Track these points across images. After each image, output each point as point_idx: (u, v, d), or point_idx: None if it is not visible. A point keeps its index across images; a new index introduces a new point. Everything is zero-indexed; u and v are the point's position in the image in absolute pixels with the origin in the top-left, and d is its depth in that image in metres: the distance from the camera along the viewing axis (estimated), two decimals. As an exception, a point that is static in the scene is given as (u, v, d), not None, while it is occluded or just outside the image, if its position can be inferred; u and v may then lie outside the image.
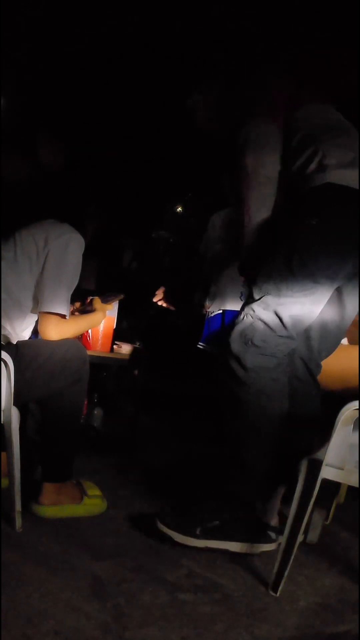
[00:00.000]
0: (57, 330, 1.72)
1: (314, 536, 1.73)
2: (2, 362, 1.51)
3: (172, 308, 2.58)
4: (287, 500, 1.63)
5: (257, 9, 2.89)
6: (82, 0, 3.38)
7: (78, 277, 1.81)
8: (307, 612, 1.34)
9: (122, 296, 2.11)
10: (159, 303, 2.62)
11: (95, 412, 2.83)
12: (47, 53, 3.87)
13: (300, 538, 1.59)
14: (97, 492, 1.82)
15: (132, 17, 3.47)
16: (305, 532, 1.70)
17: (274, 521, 1.64)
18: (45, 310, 1.71)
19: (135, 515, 1.82)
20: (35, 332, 1.85)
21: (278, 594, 1.39)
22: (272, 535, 1.58)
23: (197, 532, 1.52)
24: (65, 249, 1.75)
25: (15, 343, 1.74)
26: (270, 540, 1.57)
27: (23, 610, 1.19)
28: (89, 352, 2.36)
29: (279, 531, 1.60)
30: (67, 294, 1.75)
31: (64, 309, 1.73)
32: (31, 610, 1.19)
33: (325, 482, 1.41)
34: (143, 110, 4.41)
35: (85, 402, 2.60)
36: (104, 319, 2.07)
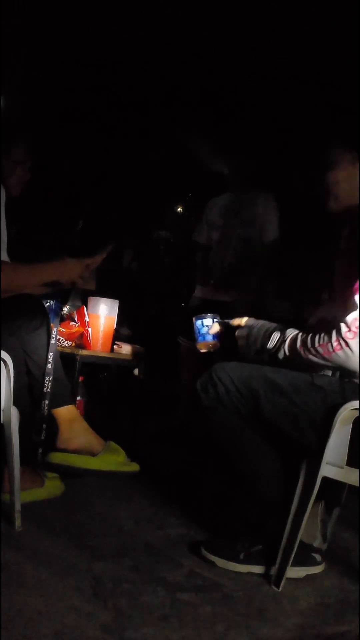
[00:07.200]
0: None
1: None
2: (2, 362, 1.52)
3: None
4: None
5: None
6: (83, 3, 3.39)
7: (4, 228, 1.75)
8: (307, 612, 1.34)
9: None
10: None
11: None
12: (46, 54, 3.87)
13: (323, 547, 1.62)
14: (55, 474, 1.87)
15: (132, 19, 3.47)
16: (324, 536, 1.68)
17: (317, 543, 1.62)
18: None
19: (136, 515, 1.82)
20: None
21: (280, 588, 1.41)
22: (317, 557, 1.55)
23: (241, 557, 1.51)
24: None
25: None
26: (315, 563, 1.54)
27: (23, 610, 1.18)
28: (88, 352, 2.37)
29: (324, 553, 1.59)
30: None
31: None
32: (31, 610, 1.19)
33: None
34: (143, 110, 4.42)
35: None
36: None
